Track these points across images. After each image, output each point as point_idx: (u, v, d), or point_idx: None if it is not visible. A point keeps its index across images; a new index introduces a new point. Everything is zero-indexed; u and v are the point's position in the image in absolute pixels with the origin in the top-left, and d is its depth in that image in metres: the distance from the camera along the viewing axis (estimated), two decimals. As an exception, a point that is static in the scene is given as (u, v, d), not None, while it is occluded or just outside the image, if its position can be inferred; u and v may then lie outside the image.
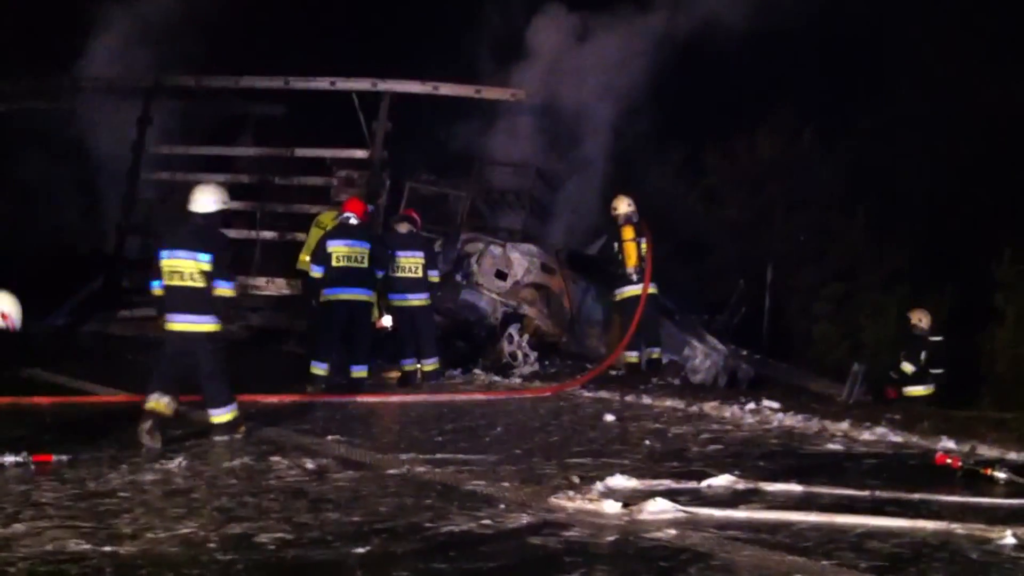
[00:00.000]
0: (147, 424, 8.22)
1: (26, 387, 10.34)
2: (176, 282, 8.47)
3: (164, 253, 8.53)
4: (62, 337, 14.63)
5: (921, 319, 13.78)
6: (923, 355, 13.50)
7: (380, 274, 11.68)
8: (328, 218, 12.80)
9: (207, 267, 8.41)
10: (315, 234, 12.66)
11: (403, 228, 12.15)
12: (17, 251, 11.74)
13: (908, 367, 13.49)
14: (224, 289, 8.52)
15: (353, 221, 11.68)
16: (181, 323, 8.48)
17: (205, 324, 8.47)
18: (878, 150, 21.38)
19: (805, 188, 21.32)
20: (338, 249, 11.44)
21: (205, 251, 8.44)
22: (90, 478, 7.02)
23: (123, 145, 17.38)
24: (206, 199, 8.69)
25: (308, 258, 12.40)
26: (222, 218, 8.93)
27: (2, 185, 16.67)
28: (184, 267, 8.45)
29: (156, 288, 8.63)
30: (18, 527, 5.81)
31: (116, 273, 16.71)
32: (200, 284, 8.42)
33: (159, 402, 8.34)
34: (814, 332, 20.19)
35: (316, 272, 11.55)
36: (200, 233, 8.56)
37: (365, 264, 11.48)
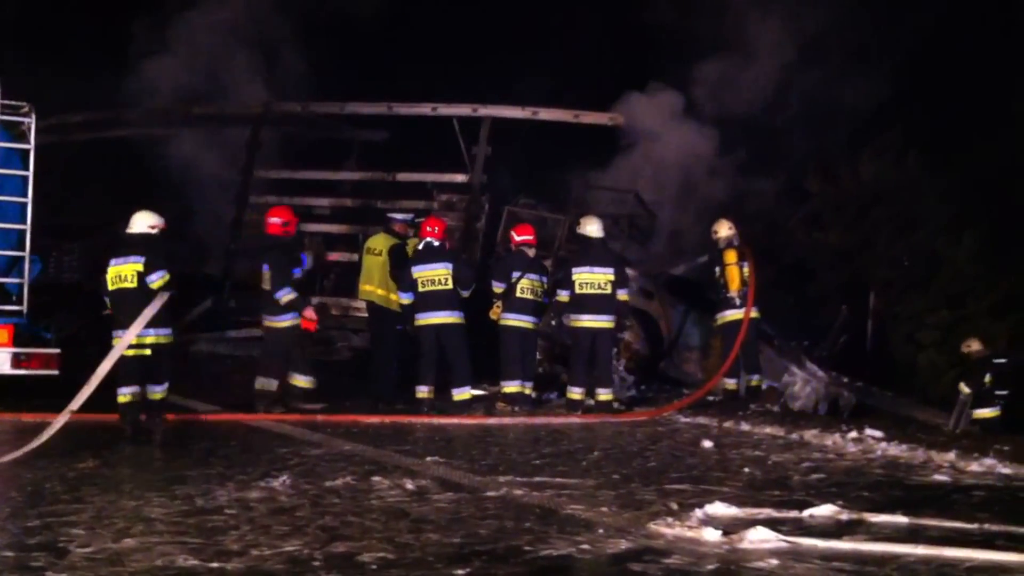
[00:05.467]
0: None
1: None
2: (587, 291, 11.62)
3: (581, 269, 11.67)
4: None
5: (971, 345, 14.54)
6: (987, 377, 13.65)
7: (466, 294, 11.77)
8: (377, 242, 12.79)
9: (613, 278, 11.68)
10: (368, 261, 12.64)
11: (531, 252, 12.25)
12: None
13: (965, 388, 14.08)
14: (623, 295, 11.82)
15: (435, 243, 11.85)
16: (590, 321, 11.59)
17: (609, 322, 11.73)
18: (988, 172, 20.79)
19: (911, 212, 20.84)
20: (423, 274, 11.61)
21: (611, 266, 11.74)
22: (198, 495, 7.20)
23: (222, 169, 17.89)
24: (598, 227, 12.00)
25: (369, 287, 12.52)
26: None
27: (116, 210, 17.23)
28: (597, 279, 11.61)
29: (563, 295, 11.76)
30: (129, 542, 5.98)
31: (224, 295, 17.13)
32: (608, 291, 11.65)
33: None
34: (920, 360, 19.69)
35: (405, 298, 11.71)
36: (607, 253, 12.05)
37: (449, 286, 11.62)
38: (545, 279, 12.19)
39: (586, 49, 20.51)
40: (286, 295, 11.16)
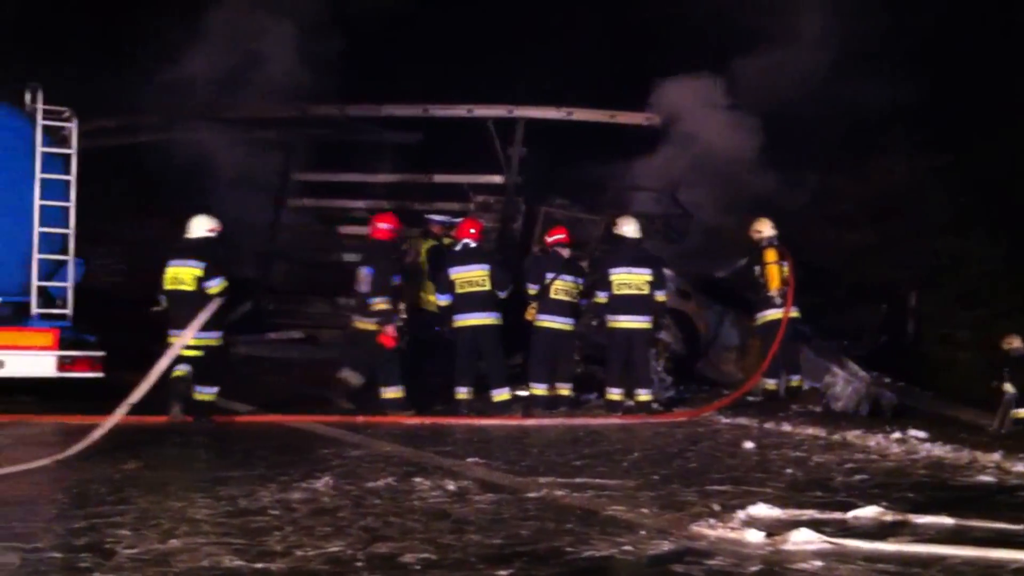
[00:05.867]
0: None
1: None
2: (625, 291, 11.62)
3: (619, 270, 11.68)
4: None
5: (1012, 343, 14.20)
6: None
7: (503, 295, 11.79)
8: (414, 244, 12.88)
9: (651, 279, 11.64)
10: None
11: (565, 253, 12.24)
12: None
13: (1009, 387, 13.78)
14: (661, 296, 11.80)
15: (473, 244, 11.87)
16: (627, 322, 11.64)
17: (647, 323, 11.74)
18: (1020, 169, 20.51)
19: (941, 210, 20.62)
20: (461, 275, 11.63)
21: (649, 267, 11.71)
22: (242, 496, 7.25)
23: (256, 172, 17.96)
24: (635, 227, 11.99)
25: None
26: None
27: (150, 212, 17.36)
28: (635, 280, 11.63)
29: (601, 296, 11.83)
30: (175, 542, 6.03)
31: (263, 297, 17.23)
32: (646, 292, 11.65)
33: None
34: (959, 359, 19.48)
35: (442, 300, 11.72)
36: (644, 253, 11.98)
37: (487, 287, 11.63)
38: (580, 280, 12.14)
39: (589, 48, 20.44)
40: (380, 302, 11.22)
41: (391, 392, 11.36)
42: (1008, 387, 13.85)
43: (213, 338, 10.26)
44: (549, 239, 12.30)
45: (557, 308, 11.89)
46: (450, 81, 18.94)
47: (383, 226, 11.73)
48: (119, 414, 9.18)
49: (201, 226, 10.43)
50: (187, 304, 10.09)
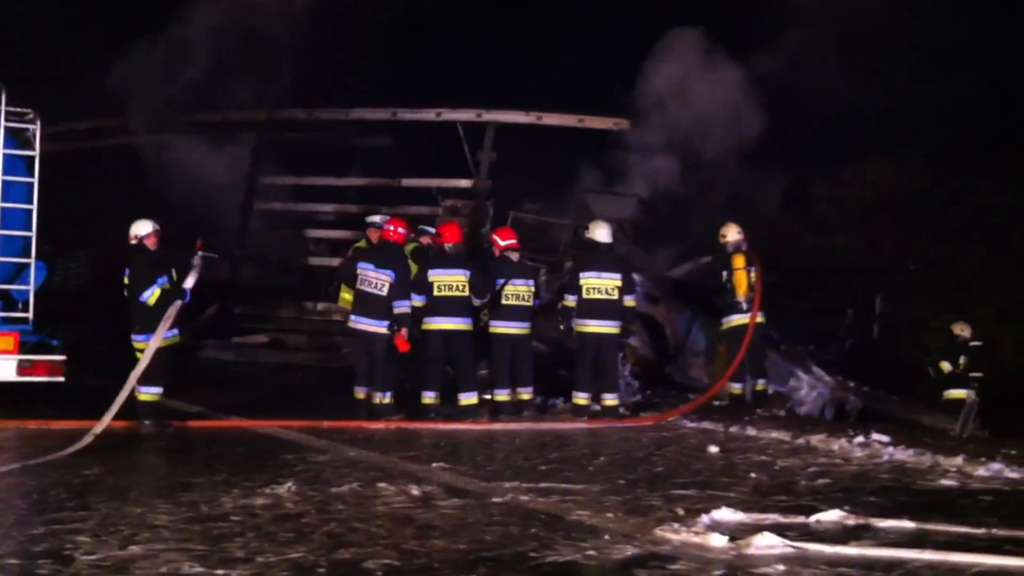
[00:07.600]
0: None
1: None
2: (594, 296, 11.63)
3: (588, 274, 11.65)
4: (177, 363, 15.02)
5: (963, 331, 14.75)
6: (961, 359, 14.25)
7: (478, 302, 11.75)
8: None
9: (620, 284, 11.64)
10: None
11: (515, 256, 12.19)
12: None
13: (946, 366, 14.44)
14: (630, 300, 11.81)
15: (452, 248, 11.83)
16: (597, 327, 11.67)
17: (616, 328, 11.73)
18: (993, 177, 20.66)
19: (917, 217, 20.75)
20: (440, 278, 11.59)
21: (619, 272, 11.69)
22: (203, 501, 7.19)
23: (226, 176, 17.88)
24: (606, 232, 11.91)
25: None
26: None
27: (112, 214, 17.24)
28: (605, 284, 11.63)
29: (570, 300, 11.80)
30: (134, 549, 5.97)
31: (230, 300, 17.14)
32: (615, 297, 11.62)
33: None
34: (926, 364, 19.62)
35: (417, 300, 11.67)
36: (614, 258, 11.97)
37: (465, 293, 11.60)
38: (532, 283, 12.07)
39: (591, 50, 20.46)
40: (404, 307, 11.22)
41: (385, 398, 11.35)
42: (946, 365, 14.17)
43: (148, 340, 10.04)
44: (500, 243, 12.22)
45: (511, 313, 11.84)
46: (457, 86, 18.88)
47: (401, 230, 11.69)
48: (106, 420, 9.33)
49: (130, 232, 10.40)
50: (133, 309, 10.19)
